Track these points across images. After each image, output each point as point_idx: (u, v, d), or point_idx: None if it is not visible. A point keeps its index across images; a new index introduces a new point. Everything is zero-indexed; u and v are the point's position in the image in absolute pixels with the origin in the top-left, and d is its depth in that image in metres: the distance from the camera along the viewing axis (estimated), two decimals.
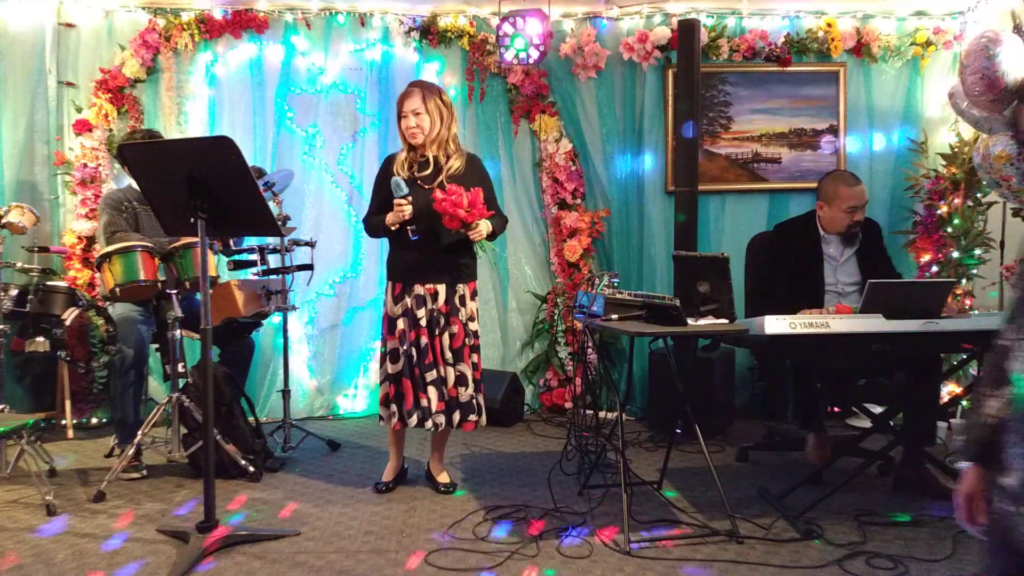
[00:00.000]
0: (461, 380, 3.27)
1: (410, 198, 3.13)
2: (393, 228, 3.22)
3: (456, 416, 3.27)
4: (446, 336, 3.26)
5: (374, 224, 3.33)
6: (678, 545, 2.79)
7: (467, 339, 3.29)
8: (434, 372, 3.23)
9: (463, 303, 3.29)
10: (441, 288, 3.26)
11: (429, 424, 3.23)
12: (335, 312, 4.88)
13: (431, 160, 3.25)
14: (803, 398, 3.60)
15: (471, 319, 3.32)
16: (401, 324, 3.26)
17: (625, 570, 2.60)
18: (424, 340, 3.23)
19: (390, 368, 3.28)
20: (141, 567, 2.63)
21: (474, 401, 3.31)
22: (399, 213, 3.13)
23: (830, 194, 3.49)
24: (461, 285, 3.30)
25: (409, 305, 3.26)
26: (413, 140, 3.23)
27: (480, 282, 4.95)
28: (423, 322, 3.23)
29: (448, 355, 3.26)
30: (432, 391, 3.22)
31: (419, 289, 3.25)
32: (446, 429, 3.29)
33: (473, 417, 3.30)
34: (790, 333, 2.71)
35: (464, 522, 3.03)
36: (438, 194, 3.08)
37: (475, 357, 3.33)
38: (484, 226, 3.17)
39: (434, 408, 3.22)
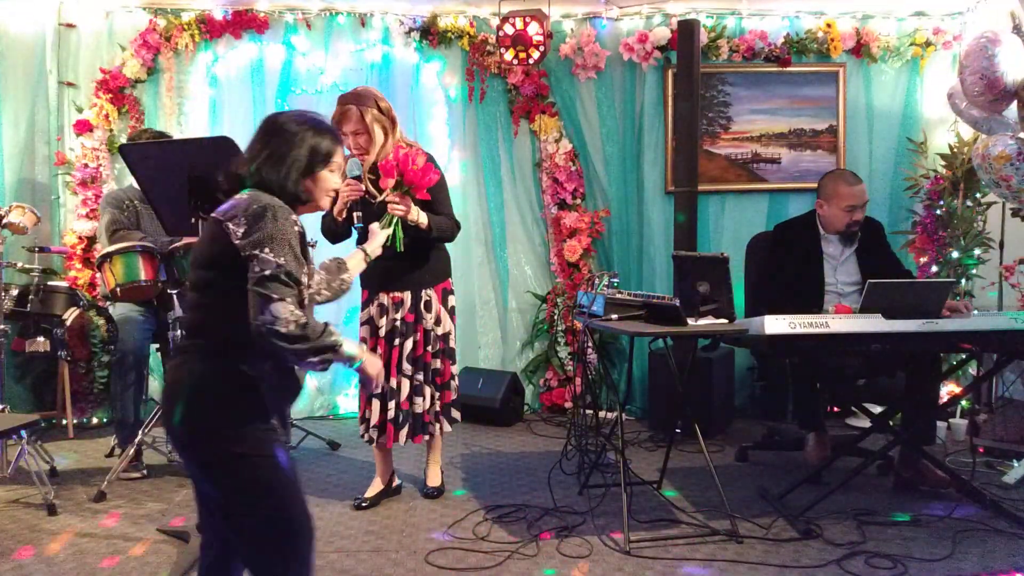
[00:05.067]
0: (417, 390, 3.16)
1: (357, 181, 2.97)
2: (340, 218, 3.09)
3: (404, 431, 3.15)
4: (409, 343, 3.14)
5: (325, 223, 3.18)
6: (678, 545, 2.80)
7: (428, 345, 3.18)
8: (385, 384, 3.13)
9: (428, 308, 3.18)
10: (406, 296, 3.16)
11: (373, 435, 3.16)
12: (335, 312, 4.87)
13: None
14: (803, 398, 3.61)
15: (438, 322, 3.20)
16: (363, 332, 3.22)
17: (625, 570, 2.61)
18: (380, 351, 3.14)
19: None
20: (141, 567, 2.64)
21: (432, 411, 3.20)
22: (348, 193, 2.91)
23: (830, 192, 3.50)
24: (426, 290, 3.18)
25: (372, 314, 3.21)
26: (364, 161, 3.10)
27: (480, 282, 5.00)
28: (382, 332, 3.16)
29: (406, 365, 3.14)
30: (376, 403, 3.15)
31: (383, 298, 3.17)
32: (435, 436, 3.24)
33: (423, 430, 3.17)
34: (790, 333, 2.71)
35: (464, 522, 3.03)
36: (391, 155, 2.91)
37: (437, 362, 3.20)
38: (413, 211, 2.93)
39: (374, 421, 3.15)
